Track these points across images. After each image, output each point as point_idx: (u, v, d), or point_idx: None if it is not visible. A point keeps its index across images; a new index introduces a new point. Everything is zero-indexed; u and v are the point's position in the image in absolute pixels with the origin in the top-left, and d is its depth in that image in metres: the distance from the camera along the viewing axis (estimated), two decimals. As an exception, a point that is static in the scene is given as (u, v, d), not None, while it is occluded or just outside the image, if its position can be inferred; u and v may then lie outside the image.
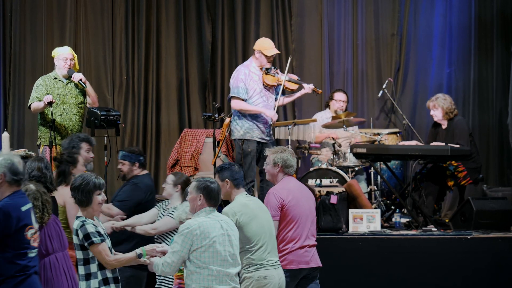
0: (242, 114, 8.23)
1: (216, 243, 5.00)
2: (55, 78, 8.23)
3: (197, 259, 4.98)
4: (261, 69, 8.30)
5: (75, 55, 8.37)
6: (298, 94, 8.55)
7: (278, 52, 8.49)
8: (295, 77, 8.57)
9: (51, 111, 7.92)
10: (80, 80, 8.11)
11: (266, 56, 8.27)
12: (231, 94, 8.24)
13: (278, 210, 5.97)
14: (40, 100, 8.01)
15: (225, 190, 5.65)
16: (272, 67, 8.39)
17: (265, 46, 8.35)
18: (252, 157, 8.15)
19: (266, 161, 6.26)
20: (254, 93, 8.21)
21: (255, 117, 8.22)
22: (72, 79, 8.14)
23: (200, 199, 5.10)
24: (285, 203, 5.99)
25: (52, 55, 8.37)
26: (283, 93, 8.55)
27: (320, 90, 8.65)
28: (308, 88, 8.43)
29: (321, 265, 6.15)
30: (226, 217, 5.27)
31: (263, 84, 8.28)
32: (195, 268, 4.99)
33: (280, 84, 8.32)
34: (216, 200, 5.15)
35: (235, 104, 8.19)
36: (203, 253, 4.98)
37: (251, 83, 8.20)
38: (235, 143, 8.35)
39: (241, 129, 8.20)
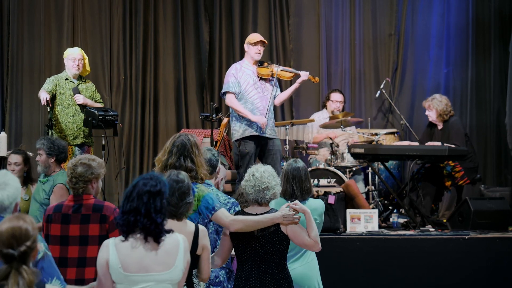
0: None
1: None
2: (67, 79, 8.23)
3: None
4: (254, 64, 8.26)
5: (85, 56, 8.36)
6: (296, 84, 8.41)
7: (262, 39, 8.27)
8: (288, 68, 8.55)
9: (53, 111, 7.99)
10: (82, 104, 8.18)
11: (252, 44, 8.17)
12: (222, 90, 8.23)
13: None
14: (49, 91, 8.02)
15: None
16: (265, 61, 8.36)
17: (250, 37, 8.32)
18: (250, 157, 8.10)
19: None
20: (248, 86, 8.13)
21: (251, 111, 8.12)
22: (74, 98, 8.16)
23: None
24: None
25: (64, 56, 8.37)
26: (280, 87, 8.51)
27: (317, 78, 8.49)
28: (304, 75, 8.33)
29: None
30: None
31: (258, 76, 8.23)
32: None
33: (274, 75, 8.25)
34: None
35: (227, 100, 8.16)
36: None
37: (243, 76, 8.14)
38: (233, 144, 8.30)
39: (240, 128, 8.09)
